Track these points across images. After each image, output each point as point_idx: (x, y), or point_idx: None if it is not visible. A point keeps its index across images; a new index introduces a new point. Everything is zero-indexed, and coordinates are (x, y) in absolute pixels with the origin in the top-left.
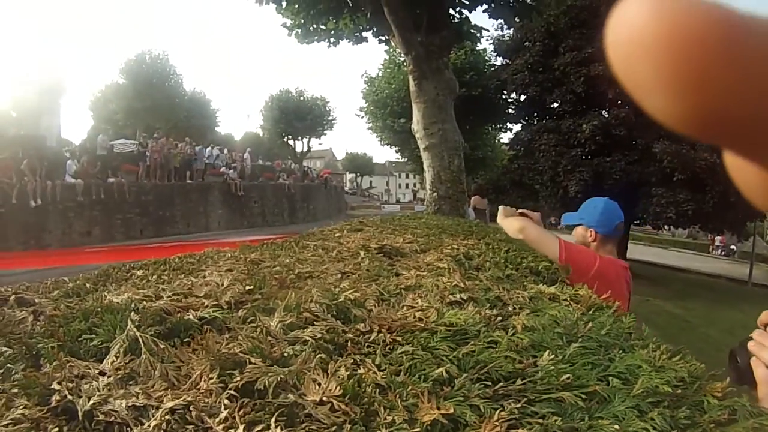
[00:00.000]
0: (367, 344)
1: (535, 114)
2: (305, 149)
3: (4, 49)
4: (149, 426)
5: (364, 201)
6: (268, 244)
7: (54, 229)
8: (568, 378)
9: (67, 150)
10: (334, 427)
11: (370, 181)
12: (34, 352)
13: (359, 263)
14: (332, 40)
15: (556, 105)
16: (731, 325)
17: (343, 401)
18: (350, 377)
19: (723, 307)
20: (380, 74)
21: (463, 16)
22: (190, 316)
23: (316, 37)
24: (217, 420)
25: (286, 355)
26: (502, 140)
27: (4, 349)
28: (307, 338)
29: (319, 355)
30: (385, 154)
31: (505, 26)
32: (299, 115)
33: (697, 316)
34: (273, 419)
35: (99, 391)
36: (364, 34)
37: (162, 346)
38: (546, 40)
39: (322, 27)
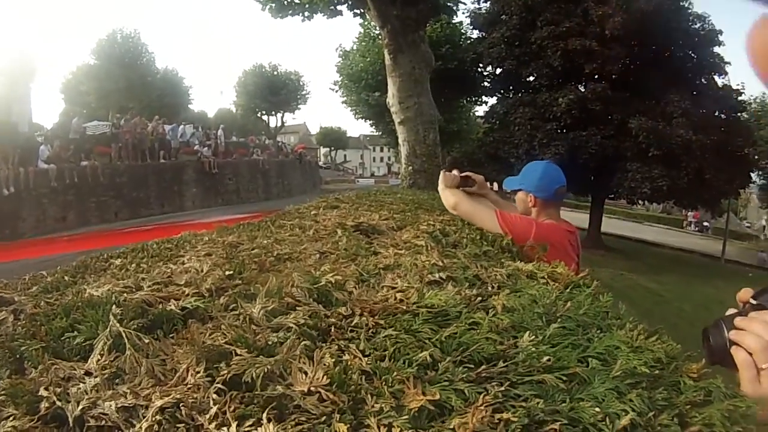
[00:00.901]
0: (350, 328)
1: (511, 87)
2: (279, 124)
3: None
4: (140, 428)
5: (338, 175)
6: (245, 225)
7: (28, 217)
8: (549, 360)
9: (39, 135)
10: (324, 417)
11: (345, 155)
12: (17, 356)
13: (337, 242)
14: (306, 13)
15: (532, 79)
16: (705, 300)
17: (330, 390)
18: (336, 364)
19: (697, 282)
20: (355, 48)
21: None
22: (172, 307)
23: (290, 11)
24: (208, 417)
25: (270, 343)
26: (477, 113)
27: None
28: (291, 325)
29: (304, 342)
30: (359, 127)
31: None
32: (273, 90)
33: (671, 291)
34: (264, 414)
35: (87, 393)
36: (338, 7)
37: (146, 341)
38: (523, 13)
39: (296, 1)
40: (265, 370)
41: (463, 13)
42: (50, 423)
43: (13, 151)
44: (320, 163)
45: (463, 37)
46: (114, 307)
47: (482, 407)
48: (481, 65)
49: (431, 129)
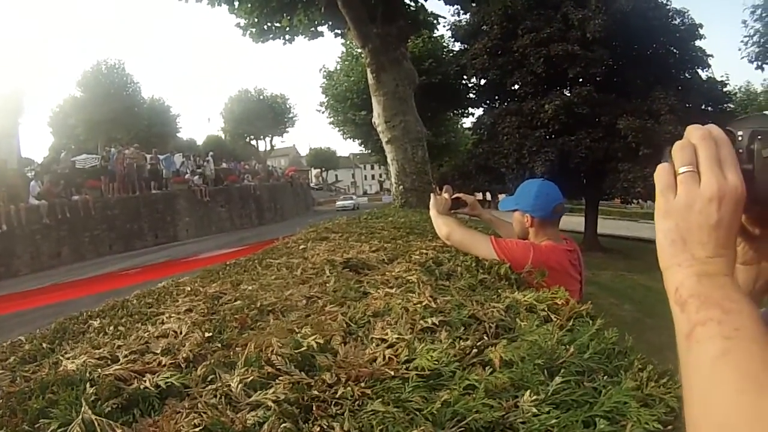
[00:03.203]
0: (334, 401)
1: (497, 97)
2: (269, 148)
3: None
4: None
5: (331, 196)
6: (231, 266)
7: (22, 254)
8: (552, 428)
9: (30, 169)
10: None
11: (336, 175)
12: None
13: (325, 283)
14: (287, 37)
15: (517, 87)
16: None
17: None
18: None
19: None
20: (338, 68)
21: (419, 4)
22: (147, 384)
23: (270, 35)
24: None
25: (249, 424)
26: (465, 125)
27: None
28: (270, 403)
29: (284, 425)
30: (348, 147)
31: (461, 11)
32: (260, 115)
33: None
34: None
35: None
36: (319, 28)
37: (118, 430)
38: (504, 22)
39: (277, 24)
40: None
41: (444, 26)
42: None
43: (1, 188)
44: (312, 185)
45: (446, 50)
46: (88, 385)
47: None
48: (465, 77)
49: (419, 146)
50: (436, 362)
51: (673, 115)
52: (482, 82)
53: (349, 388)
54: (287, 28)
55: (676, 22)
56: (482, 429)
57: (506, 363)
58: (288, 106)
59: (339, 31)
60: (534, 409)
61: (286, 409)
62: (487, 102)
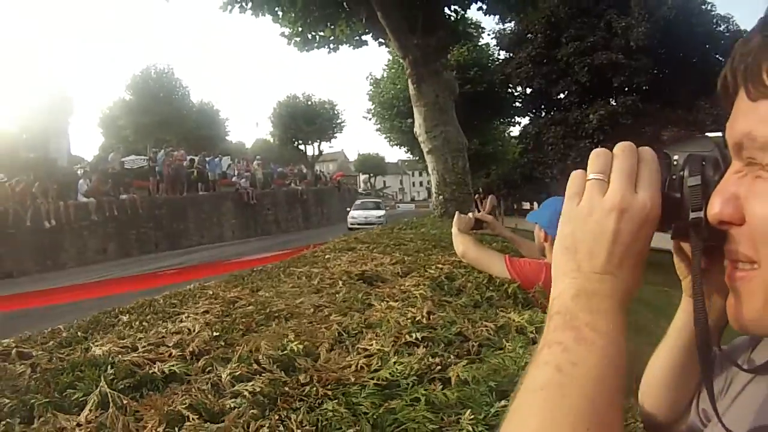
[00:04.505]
0: (299, 398)
1: (542, 106)
2: (316, 153)
3: (10, 71)
4: None
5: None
6: (257, 272)
7: (69, 248)
8: None
9: (79, 167)
10: None
11: (384, 181)
12: (28, 407)
13: (336, 293)
14: (332, 45)
15: (562, 96)
16: None
17: None
18: None
19: None
20: (385, 75)
21: (460, 15)
22: (155, 370)
23: (315, 45)
24: None
25: (226, 408)
26: (511, 133)
27: (6, 401)
28: (246, 393)
29: (251, 411)
30: (397, 153)
31: (503, 20)
32: (308, 120)
33: None
34: None
35: None
36: (363, 38)
37: (125, 402)
38: (548, 31)
39: (321, 34)
40: None
41: (489, 34)
42: None
43: (51, 185)
44: (359, 190)
45: (491, 58)
46: (109, 367)
47: None
48: (510, 86)
49: (460, 157)
50: (398, 375)
51: (717, 125)
52: (527, 90)
53: (314, 388)
54: (331, 38)
55: (721, 29)
56: None
57: (462, 381)
58: (336, 112)
59: (382, 41)
60: (470, 427)
61: (258, 399)
62: (533, 111)
